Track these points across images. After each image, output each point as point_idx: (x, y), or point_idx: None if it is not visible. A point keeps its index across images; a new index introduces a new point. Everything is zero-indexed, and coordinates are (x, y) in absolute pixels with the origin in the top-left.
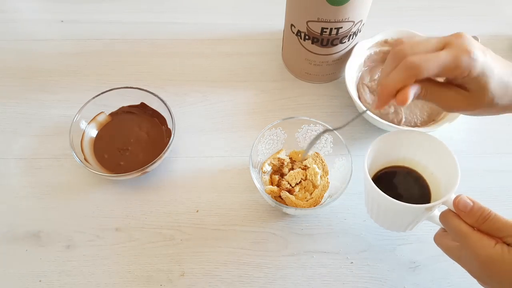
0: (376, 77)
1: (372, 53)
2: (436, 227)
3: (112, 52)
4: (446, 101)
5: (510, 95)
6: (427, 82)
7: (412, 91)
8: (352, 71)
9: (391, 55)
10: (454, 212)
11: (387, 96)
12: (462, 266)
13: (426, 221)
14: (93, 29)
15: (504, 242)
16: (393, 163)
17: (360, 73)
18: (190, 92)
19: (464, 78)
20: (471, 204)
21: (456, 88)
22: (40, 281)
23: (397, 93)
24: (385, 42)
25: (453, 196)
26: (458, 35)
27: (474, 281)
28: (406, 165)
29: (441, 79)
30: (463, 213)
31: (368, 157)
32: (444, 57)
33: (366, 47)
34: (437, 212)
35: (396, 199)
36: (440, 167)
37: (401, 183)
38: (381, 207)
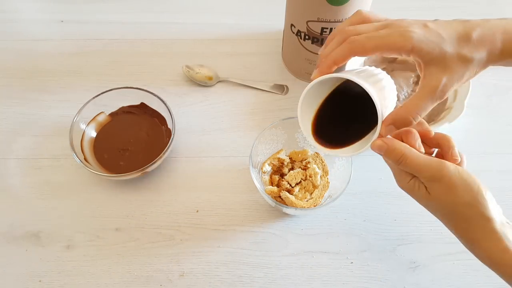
0: None
1: None
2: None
3: (112, 52)
4: (425, 96)
5: (477, 44)
6: (407, 107)
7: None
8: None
9: (336, 33)
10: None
11: (327, 67)
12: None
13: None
14: (93, 29)
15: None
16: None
17: None
18: (190, 92)
19: (416, 50)
20: (384, 148)
21: (420, 84)
22: (40, 281)
23: (334, 65)
24: None
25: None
26: (400, 19)
27: (475, 281)
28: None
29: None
30: (382, 155)
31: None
32: (383, 33)
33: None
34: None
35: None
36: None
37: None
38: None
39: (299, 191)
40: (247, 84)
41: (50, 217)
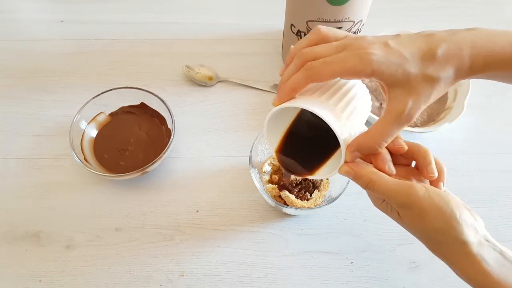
0: None
1: None
2: None
3: (112, 52)
4: (391, 122)
5: (442, 62)
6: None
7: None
8: None
9: (293, 55)
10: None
11: (286, 94)
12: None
13: None
14: (93, 29)
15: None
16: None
17: None
18: (190, 92)
19: (377, 73)
20: (352, 174)
21: (388, 109)
22: (40, 281)
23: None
24: None
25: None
26: (360, 37)
27: None
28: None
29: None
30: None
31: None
32: (341, 57)
33: None
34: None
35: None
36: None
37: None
38: None
39: (299, 191)
40: (247, 84)
41: (50, 217)
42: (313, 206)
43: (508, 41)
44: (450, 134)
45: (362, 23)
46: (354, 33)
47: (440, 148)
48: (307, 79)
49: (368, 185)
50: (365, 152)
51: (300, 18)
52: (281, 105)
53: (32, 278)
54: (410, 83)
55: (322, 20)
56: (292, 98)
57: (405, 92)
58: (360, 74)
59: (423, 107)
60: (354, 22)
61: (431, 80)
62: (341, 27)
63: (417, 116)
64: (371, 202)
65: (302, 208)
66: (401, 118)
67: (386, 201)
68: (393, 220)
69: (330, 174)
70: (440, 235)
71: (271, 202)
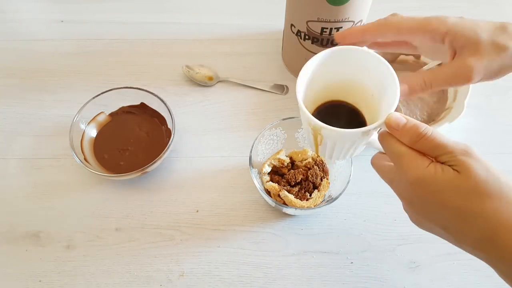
0: None
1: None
2: None
3: (112, 52)
4: (454, 73)
5: (499, 47)
6: (421, 72)
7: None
8: None
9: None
10: (390, 133)
11: (355, 31)
12: (393, 190)
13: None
14: (93, 29)
15: (439, 161)
16: (330, 96)
17: None
18: (190, 92)
19: (451, 35)
20: (404, 120)
21: (453, 60)
22: (40, 281)
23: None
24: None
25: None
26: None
27: (474, 281)
28: (343, 94)
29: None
30: (397, 131)
31: (301, 80)
32: (419, 17)
33: None
34: (375, 136)
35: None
36: (379, 87)
37: (337, 117)
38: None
39: (299, 190)
40: (247, 84)
41: (50, 217)
42: (312, 206)
43: None
44: (450, 134)
45: (362, 23)
46: None
47: None
48: (384, 26)
49: (422, 132)
50: (412, 89)
51: (300, 18)
52: (345, 46)
53: (32, 278)
54: (478, 46)
55: (322, 20)
56: (359, 41)
57: (471, 53)
58: (435, 32)
59: (484, 72)
60: (354, 22)
61: (499, 48)
62: (341, 27)
63: (475, 79)
64: (404, 176)
65: (302, 208)
66: (459, 74)
67: (434, 163)
68: (435, 193)
69: (376, 124)
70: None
71: (271, 202)
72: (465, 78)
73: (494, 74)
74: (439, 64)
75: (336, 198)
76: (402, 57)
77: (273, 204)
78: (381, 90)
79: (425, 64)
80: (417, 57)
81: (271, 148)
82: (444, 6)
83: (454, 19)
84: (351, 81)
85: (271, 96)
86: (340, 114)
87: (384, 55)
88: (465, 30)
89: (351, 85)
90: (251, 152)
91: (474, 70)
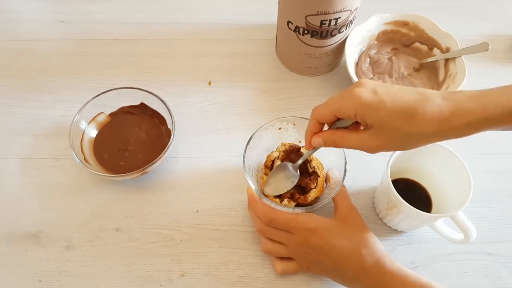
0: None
1: (366, 36)
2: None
3: (112, 52)
4: (357, 143)
5: (422, 121)
6: (336, 131)
7: (316, 139)
8: (351, 58)
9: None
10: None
11: (307, 140)
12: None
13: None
14: (93, 29)
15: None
16: (402, 173)
17: (358, 56)
18: (190, 92)
19: (359, 116)
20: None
21: (362, 131)
22: (40, 281)
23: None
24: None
25: (460, 213)
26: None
27: (474, 281)
28: (415, 174)
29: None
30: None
31: (389, 164)
32: (334, 99)
33: (361, 32)
34: (439, 222)
35: None
36: (451, 180)
37: (406, 192)
38: (396, 210)
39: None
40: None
41: (50, 217)
42: (311, 204)
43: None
44: None
45: (357, 10)
46: (351, 21)
47: None
48: (312, 121)
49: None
50: (325, 143)
51: (298, 14)
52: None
53: (32, 278)
54: (382, 127)
55: (321, 12)
56: (310, 140)
57: (375, 132)
58: (347, 115)
59: (386, 148)
60: (351, 10)
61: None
62: (340, 17)
63: (377, 152)
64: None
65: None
66: (360, 146)
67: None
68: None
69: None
70: None
71: (268, 203)
72: (366, 151)
73: (403, 147)
74: (355, 123)
75: (331, 197)
76: (417, 44)
77: (272, 205)
78: (451, 183)
79: (434, 55)
80: (431, 48)
81: (270, 148)
82: (444, 6)
83: (364, 98)
84: (421, 168)
85: (271, 96)
86: (408, 189)
87: (401, 37)
88: (368, 111)
89: (420, 171)
90: (244, 157)
91: (375, 149)
